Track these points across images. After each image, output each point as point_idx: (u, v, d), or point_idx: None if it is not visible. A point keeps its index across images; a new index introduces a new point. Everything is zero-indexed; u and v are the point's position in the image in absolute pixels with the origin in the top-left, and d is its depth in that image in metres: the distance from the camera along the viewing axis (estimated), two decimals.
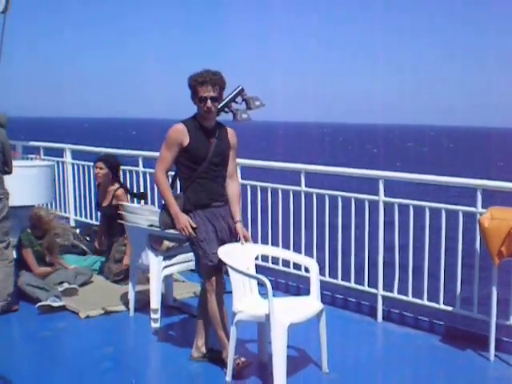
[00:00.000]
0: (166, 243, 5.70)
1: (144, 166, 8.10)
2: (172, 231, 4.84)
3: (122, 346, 5.43)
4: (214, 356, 4.84)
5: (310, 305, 4.62)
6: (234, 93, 5.23)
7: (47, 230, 6.63)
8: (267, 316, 4.29)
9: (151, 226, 5.54)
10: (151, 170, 7.95)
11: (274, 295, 4.25)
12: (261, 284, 4.38)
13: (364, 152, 61.81)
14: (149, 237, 5.62)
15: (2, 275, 5.99)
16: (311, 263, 4.80)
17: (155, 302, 5.61)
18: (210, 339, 4.89)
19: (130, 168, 8.15)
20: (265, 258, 5.53)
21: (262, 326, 4.65)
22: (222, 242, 4.68)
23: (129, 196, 7.09)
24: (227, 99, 5.20)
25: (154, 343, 5.37)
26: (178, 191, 4.78)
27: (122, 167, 7.40)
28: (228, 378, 4.51)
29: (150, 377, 4.99)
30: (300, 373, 4.66)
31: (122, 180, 7.36)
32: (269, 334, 4.33)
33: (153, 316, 5.63)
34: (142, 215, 5.79)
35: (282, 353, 4.24)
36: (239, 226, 4.80)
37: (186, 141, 4.58)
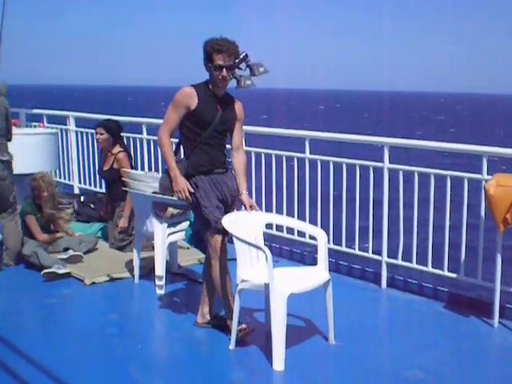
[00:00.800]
0: (171, 210, 5.70)
1: (148, 133, 8.07)
2: (175, 197, 4.83)
3: (127, 312, 5.46)
4: (219, 323, 4.85)
5: (315, 275, 4.59)
6: (238, 59, 5.17)
7: (44, 202, 6.59)
8: (267, 285, 4.29)
9: (155, 192, 5.52)
10: (155, 138, 7.92)
11: (278, 262, 4.24)
12: (272, 253, 4.37)
13: (380, 119, 61.25)
14: (153, 204, 5.61)
15: (15, 236, 6.36)
16: (320, 233, 4.75)
17: (160, 269, 5.63)
18: (214, 306, 4.90)
19: (133, 135, 8.12)
20: (268, 225, 5.49)
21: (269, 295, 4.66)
22: (225, 209, 4.68)
23: (130, 160, 7.04)
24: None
25: (158, 310, 5.40)
26: (182, 157, 4.77)
27: (125, 134, 7.36)
28: (231, 346, 4.53)
29: (154, 343, 5.02)
30: (306, 343, 4.67)
31: (125, 144, 7.30)
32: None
33: (157, 283, 5.66)
34: (146, 182, 5.77)
35: (282, 322, 4.23)
36: (245, 197, 4.79)
37: (194, 104, 4.55)
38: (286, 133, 7.19)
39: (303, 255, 6.66)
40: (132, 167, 6.96)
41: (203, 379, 4.22)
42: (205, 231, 4.67)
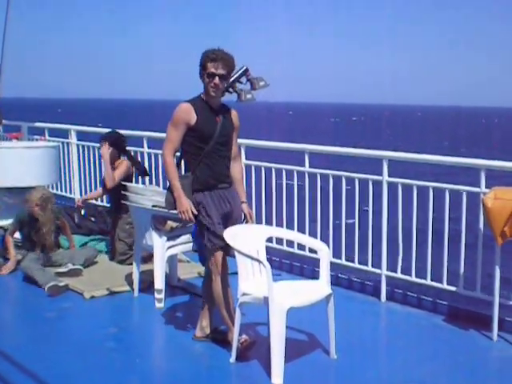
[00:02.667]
0: (170, 223, 5.72)
1: (149, 147, 8.10)
2: (175, 211, 4.84)
3: (127, 326, 5.46)
4: (218, 336, 4.86)
5: (317, 289, 4.60)
6: (239, 73, 5.21)
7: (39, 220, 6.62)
8: (266, 299, 4.30)
9: (155, 206, 5.54)
10: (155, 151, 7.96)
11: (280, 276, 4.24)
12: (273, 266, 4.39)
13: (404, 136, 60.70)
14: (152, 217, 5.63)
15: None
16: (322, 247, 4.76)
17: (159, 282, 5.64)
18: (214, 319, 4.90)
19: (134, 149, 8.15)
20: (268, 238, 5.50)
21: None
22: (226, 225, 4.68)
23: (133, 168, 7.06)
24: (232, 79, 5.19)
25: (158, 323, 5.39)
26: (183, 172, 4.78)
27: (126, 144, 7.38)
28: (232, 359, 4.53)
29: (153, 356, 5.01)
30: (306, 357, 4.66)
31: (132, 156, 7.32)
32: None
33: (157, 296, 5.66)
34: (146, 195, 5.79)
35: (281, 336, 4.23)
36: (245, 206, 4.84)
37: (194, 119, 4.57)
38: (286, 146, 7.21)
39: (303, 268, 6.66)
40: (131, 179, 6.99)
41: None
42: (205, 247, 4.69)
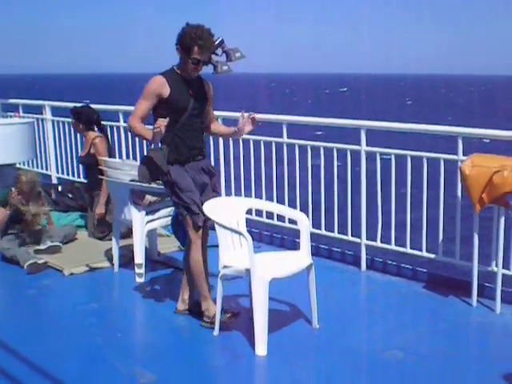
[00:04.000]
0: (149, 198, 5.68)
1: (125, 121, 8.01)
2: (153, 185, 4.82)
3: (107, 301, 5.45)
4: (200, 309, 4.86)
5: (298, 259, 4.61)
6: (214, 44, 5.13)
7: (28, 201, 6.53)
8: (247, 271, 4.30)
9: (133, 180, 5.50)
10: None
11: (260, 247, 4.24)
12: (253, 238, 4.37)
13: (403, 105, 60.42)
14: (131, 192, 5.59)
15: None
16: (302, 217, 4.75)
17: (139, 257, 5.62)
18: (195, 292, 4.90)
19: (110, 123, 8.07)
20: (248, 210, 5.49)
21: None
22: (204, 195, 4.69)
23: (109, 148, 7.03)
24: None
25: (138, 298, 5.38)
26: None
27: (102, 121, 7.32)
28: (216, 332, 4.53)
29: (135, 331, 5.01)
30: (289, 327, 4.69)
31: (104, 130, 7.26)
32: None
33: (137, 271, 5.64)
34: (124, 170, 5.74)
35: (263, 307, 4.24)
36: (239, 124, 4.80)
37: (167, 92, 4.53)
38: (264, 118, 7.16)
39: (283, 240, 6.67)
40: (110, 155, 6.93)
41: (185, 365, 4.22)
42: (184, 216, 4.67)
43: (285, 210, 5.34)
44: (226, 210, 4.68)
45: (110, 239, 6.16)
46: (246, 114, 4.78)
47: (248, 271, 4.30)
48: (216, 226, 4.47)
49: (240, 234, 4.47)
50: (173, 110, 4.56)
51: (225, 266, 4.45)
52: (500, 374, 3.90)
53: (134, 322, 5.20)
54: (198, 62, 4.53)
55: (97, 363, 4.23)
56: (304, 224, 4.69)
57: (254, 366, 4.30)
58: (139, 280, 5.64)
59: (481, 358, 4.33)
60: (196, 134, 4.71)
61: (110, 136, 7.60)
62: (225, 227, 4.48)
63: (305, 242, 4.65)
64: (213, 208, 4.53)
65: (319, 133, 5.94)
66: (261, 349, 4.26)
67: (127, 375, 4.07)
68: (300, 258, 4.62)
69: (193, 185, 4.63)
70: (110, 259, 6.04)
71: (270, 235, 6.80)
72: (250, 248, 4.25)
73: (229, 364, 4.25)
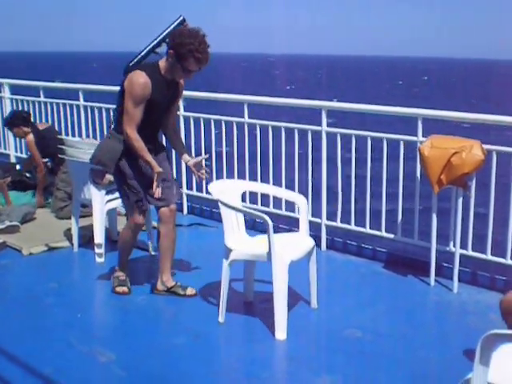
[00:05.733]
0: (109, 177, 5.60)
1: (85, 100, 7.91)
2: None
3: (67, 281, 5.38)
4: (178, 291, 4.87)
5: (303, 241, 4.59)
6: (175, 24, 5.03)
7: None
8: (268, 254, 4.21)
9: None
10: (91, 104, 7.77)
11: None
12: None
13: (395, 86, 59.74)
14: (90, 171, 5.52)
15: None
16: (300, 199, 4.74)
17: (99, 237, 5.58)
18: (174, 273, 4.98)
19: (70, 102, 7.97)
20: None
21: (250, 265, 4.66)
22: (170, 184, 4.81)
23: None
24: (167, 31, 5.01)
25: (98, 278, 5.33)
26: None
27: (61, 100, 7.35)
28: (221, 318, 4.46)
29: (95, 311, 5.00)
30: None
31: (31, 122, 7.54)
32: (259, 273, 4.42)
33: (97, 251, 5.61)
34: (83, 149, 5.67)
35: (284, 291, 4.21)
36: (191, 160, 4.83)
37: (149, 93, 4.48)
38: (226, 97, 7.13)
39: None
40: (41, 145, 7.28)
41: (145, 344, 4.20)
42: (155, 204, 4.77)
43: (282, 193, 5.24)
44: (225, 193, 4.57)
45: (69, 217, 6.07)
46: (199, 158, 4.84)
47: (268, 255, 4.21)
48: (222, 209, 4.41)
49: (259, 217, 4.35)
50: (149, 109, 4.53)
51: (232, 250, 4.37)
52: (458, 352, 3.97)
53: (94, 302, 5.18)
54: (190, 72, 4.47)
55: (56, 343, 4.20)
56: (302, 206, 4.67)
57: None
58: (99, 260, 5.60)
59: (438, 336, 4.40)
60: (159, 128, 4.82)
61: (69, 115, 7.64)
62: (239, 210, 4.50)
63: (304, 223, 4.63)
64: (221, 191, 4.50)
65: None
66: (281, 333, 4.23)
67: (86, 354, 4.05)
68: (304, 240, 4.60)
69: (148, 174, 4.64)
70: (70, 239, 5.98)
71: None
72: (270, 231, 4.16)
73: (189, 342, 4.24)
